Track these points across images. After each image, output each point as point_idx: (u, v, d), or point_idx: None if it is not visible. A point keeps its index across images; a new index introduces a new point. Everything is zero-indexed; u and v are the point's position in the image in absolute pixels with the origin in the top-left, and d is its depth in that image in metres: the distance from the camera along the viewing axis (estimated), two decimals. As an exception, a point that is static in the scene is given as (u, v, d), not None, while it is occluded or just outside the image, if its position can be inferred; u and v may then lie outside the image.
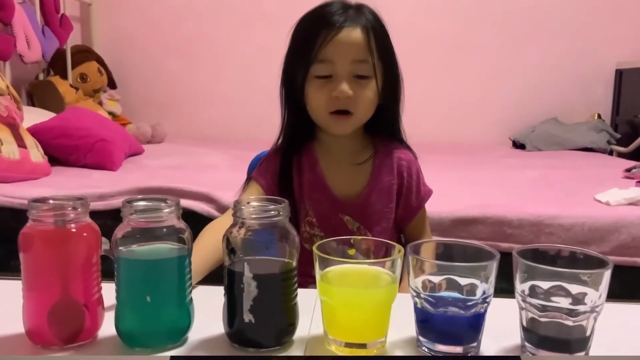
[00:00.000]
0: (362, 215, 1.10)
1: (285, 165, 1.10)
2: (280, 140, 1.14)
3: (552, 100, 3.74)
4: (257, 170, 1.10)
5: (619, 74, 3.66)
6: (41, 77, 3.29)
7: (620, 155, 3.37)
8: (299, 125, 1.11)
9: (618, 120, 3.67)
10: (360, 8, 1.05)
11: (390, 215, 1.12)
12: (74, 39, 3.52)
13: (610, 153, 3.45)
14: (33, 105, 3.04)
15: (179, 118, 3.83)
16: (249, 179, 1.11)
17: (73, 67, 3.40)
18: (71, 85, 3.26)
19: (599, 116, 3.67)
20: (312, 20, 1.05)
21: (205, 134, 3.76)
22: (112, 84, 3.59)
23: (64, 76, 3.32)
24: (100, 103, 3.35)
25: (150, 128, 3.28)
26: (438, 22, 3.55)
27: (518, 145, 3.57)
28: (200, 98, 3.85)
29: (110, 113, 3.28)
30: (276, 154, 1.12)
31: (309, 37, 1.02)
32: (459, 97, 3.64)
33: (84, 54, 3.48)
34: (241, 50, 3.78)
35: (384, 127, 1.13)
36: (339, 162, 1.11)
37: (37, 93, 3.10)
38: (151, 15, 3.79)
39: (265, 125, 3.73)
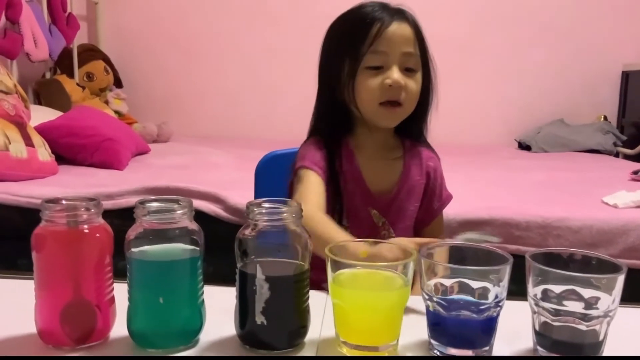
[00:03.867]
0: (389, 211, 1.12)
1: (332, 155, 1.11)
2: (318, 133, 1.15)
3: (558, 102, 3.73)
4: (307, 160, 1.08)
5: (626, 76, 3.66)
6: (48, 75, 3.30)
7: (627, 157, 3.37)
8: (337, 120, 1.13)
9: (624, 122, 3.66)
10: (403, 10, 1.09)
11: (414, 214, 1.15)
12: (80, 37, 3.53)
13: (617, 155, 3.45)
14: (40, 103, 3.05)
15: (184, 117, 3.84)
16: (296, 170, 1.09)
17: (79, 66, 3.41)
18: (77, 84, 3.27)
19: (605, 118, 3.66)
20: (358, 16, 1.08)
21: (210, 133, 3.77)
22: (118, 83, 3.60)
23: (71, 75, 3.33)
24: (107, 102, 3.35)
25: (156, 127, 3.28)
26: (444, 24, 3.54)
27: (524, 146, 3.57)
28: (205, 96, 3.86)
29: (116, 112, 3.29)
30: (319, 145, 1.12)
31: (360, 30, 1.05)
32: (464, 98, 3.63)
33: (91, 52, 3.48)
34: (246, 48, 3.79)
35: (412, 128, 1.15)
36: (373, 157, 1.13)
37: (44, 92, 3.10)
38: (157, 14, 3.80)
39: (269, 124, 3.78)
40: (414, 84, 1.06)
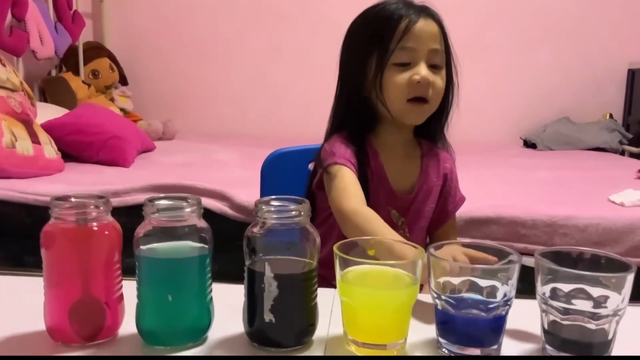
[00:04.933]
0: (408, 211, 1.13)
1: (362, 151, 1.11)
2: (343, 131, 1.13)
3: (563, 100, 3.72)
4: (338, 156, 1.06)
5: (632, 74, 3.64)
6: (53, 73, 3.31)
7: (632, 155, 3.36)
8: (362, 117, 1.13)
9: (630, 120, 3.65)
10: (425, 6, 1.10)
11: (430, 215, 1.15)
12: (85, 35, 3.54)
13: (622, 153, 3.44)
14: (45, 101, 3.06)
15: (190, 114, 3.84)
16: (326, 167, 1.07)
17: (85, 64, 3.41)
18: (83, 82, 3.28)
19: (611, 116, 3.65)
20: (383, 13, 1.07)
21: (215, 131, 3.77)
22: (123, 81, 3.60)
23: (76, 72, 3.33)
24: (112, 99, 3.36)
25: (162, 125, 3.29)
26: (450, 22, 3.53)
27: (529, 144, 3.56)
28: (210, 95, 3.86)
29: (121, 109, 3.29)
30: (347, 142, 1.10)
31: (387, 27, 1.05)
32: (470, 96, 3.60)
33: (96, 50, 3.49)
34: (252, 47, 3.78)
35: (431, 127, 1.15)
36: (395, 156, 1.13)
37: (50, 89, 3.11)
38: (163, 12, 3.80)
39: (275, 123, 3.78)
40: (440, 81, 1.06)
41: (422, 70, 1.03)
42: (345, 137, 1.11)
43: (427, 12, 1.07)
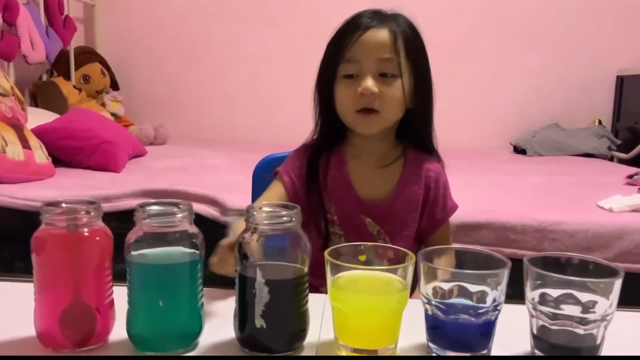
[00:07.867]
0: (384, 220, 1.12)
1: (313, 162, 1.13)
2: (312, 139, 1.17)
3: (553, 106, 3.74)
4: (283, 166, 1.12)
5: (620, 81, 3.67)
6: (44, 77, 3.30)
7: (621, 161, 3.38)
8: (331, 127, 1.14)
9: (619, 127, 3.68)
10: (393, 15, 1.09)
11: (413, 224, 1.13)
12: (77, 40, 3.52)
13: (611, 159, 3.46)
14: (36, 106, 3.05)
15: (182, 119, 3.84)
16: (275, 174, 1.14)
17: (76, 68, 3.40)
18: (74, 86, 3.27)
19: (600, 122, 3.67)
20: (343, 26, 1.09)
21: (207, 136, 3.76)
22: (114, 86, 3.60)
23: (67, 77, 3.32)
24: (103, 104, 3.35)
25: (153, 130, 3.28)
26: (441, 28, 3.55)
27: (519, 150, 3.58)
28: (202, 100, 3.85)
29: (113, 114, 3.28)
30: (305, 151, 1.14)
31: (338, 39, 1.07)
32: (460, 102, 3.64)
33: (87, 55, 3.48)
34: (244, 52, 3.79)
35: (414, 133, 1.15)
36: (367, 165, 1.13)
37: (41, 94, 3.10)
38: (154, 17, 3.80)
39: (267, 127, 3.78)
40: (391, 90, 1.04)
41: (366, 82, 1.03)
42: (305, 148, 1.15)
43: (381, 23, 1.06)
